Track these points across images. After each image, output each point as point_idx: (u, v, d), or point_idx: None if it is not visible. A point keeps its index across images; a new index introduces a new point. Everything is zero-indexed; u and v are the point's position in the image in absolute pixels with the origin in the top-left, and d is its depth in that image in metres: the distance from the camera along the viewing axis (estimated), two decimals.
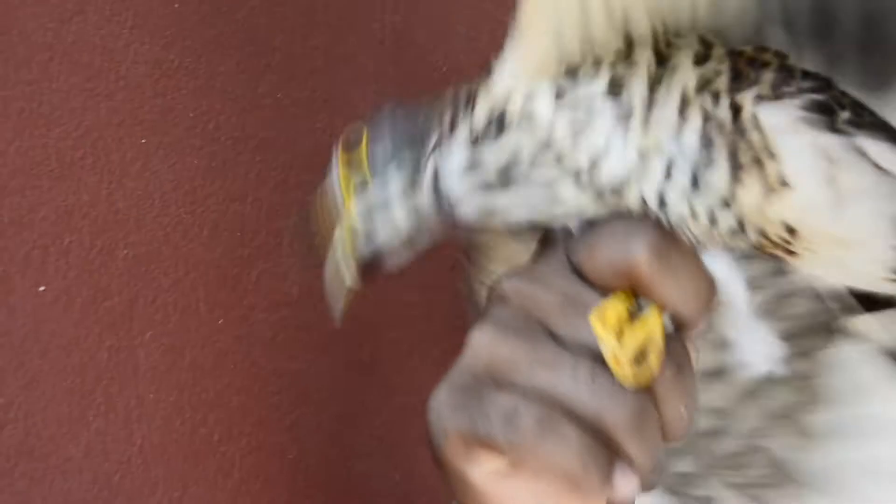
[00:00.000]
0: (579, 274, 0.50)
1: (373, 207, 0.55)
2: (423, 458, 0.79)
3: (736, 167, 0.46)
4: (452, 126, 0.53)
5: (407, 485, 0.77)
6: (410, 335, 0.79)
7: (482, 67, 0.85)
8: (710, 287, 0.50)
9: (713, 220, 0.47)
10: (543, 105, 0.50)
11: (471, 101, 0.53)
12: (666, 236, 0.48)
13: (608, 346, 0.47)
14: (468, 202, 0.52)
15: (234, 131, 0.72)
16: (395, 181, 0.54)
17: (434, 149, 0.53)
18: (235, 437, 0.70)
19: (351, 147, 0.55)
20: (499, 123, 0.51)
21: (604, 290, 0.49)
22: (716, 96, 0.47)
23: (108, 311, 0.66)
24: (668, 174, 0.47)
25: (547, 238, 0.53)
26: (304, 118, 0.75)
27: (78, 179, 0.66)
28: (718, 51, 0.48)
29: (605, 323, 0.47)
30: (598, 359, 0.47)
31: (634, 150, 0.48)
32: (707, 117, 0.47)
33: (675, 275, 0.48)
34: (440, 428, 0.51)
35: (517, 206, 0.51)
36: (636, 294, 0.48)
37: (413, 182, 0.53)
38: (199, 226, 0.70)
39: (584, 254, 0.49)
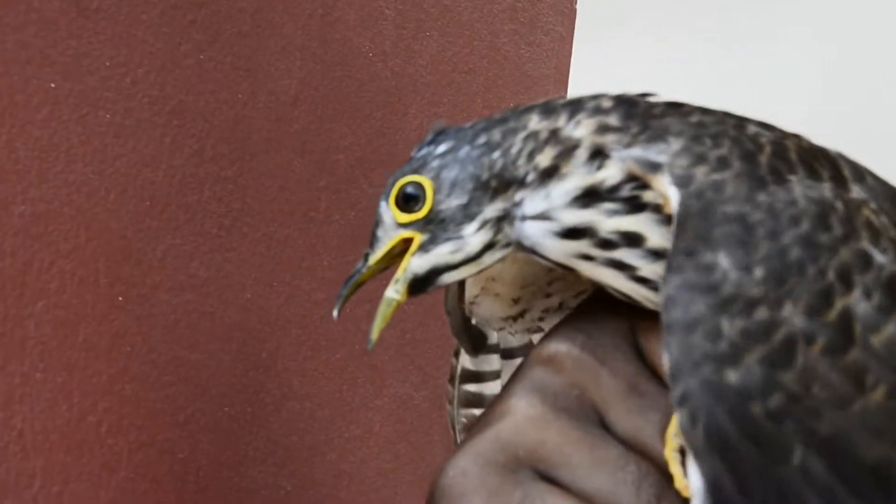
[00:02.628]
0: (647, 364, 0.44)
1: (437, 238, 0.46)
2: (317, 468, 0.73)
3: None
4: (553, 171, 0.44)
5: (298, 496, 0.71)
6: (314, 335, 0.73)
7: (405, 58, 0.81)
8: None
9: None
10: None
11: (597, 154, 0.44)
12: None
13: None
14: (548, 244, 0.45)
15: (151, 89, 0.64)
16: (469, 213, 0.46)
17: (522, 186, 0.45)
18: (125, 429, 0.62)
19: (413, 165, 0.48)
20: (633, 202, 0.43)
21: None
22: None
23: None
24: None
25: (607, 296, 0.47)
26: (226, 86, 0.68)
27: None
28: None
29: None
30: (660, 470, 0.42)
31: None
32: None
33: None
34: None
35: (599, 275, 0.45)
36: None
37: (489, 219, 0.45)
38: (105, 189, 0.62)
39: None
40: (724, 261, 0.39)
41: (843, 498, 0.37)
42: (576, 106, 0.45)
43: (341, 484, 0.74)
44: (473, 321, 0.57)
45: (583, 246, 0.43)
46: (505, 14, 0.90)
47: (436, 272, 0.46)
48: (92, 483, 0.60)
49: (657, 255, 0.42)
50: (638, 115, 0.44)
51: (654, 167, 0.42)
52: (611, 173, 0.43)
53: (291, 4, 0.72)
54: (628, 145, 0.43)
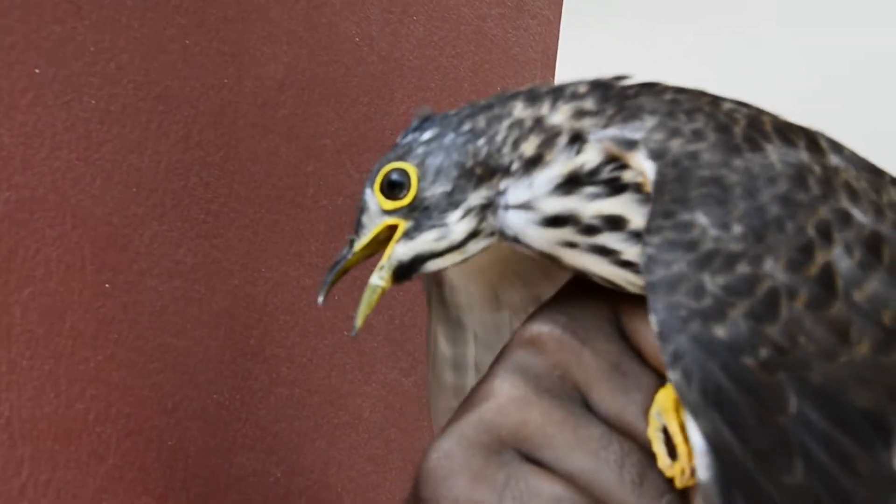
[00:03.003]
0: (630, 344, 0.44)
1: (421, 225, 0.46)
2: (306, 455, 0.73)
3: None
4: (538, 160, 0.44)
5: (287, 482, 0.71)
6: (302, 322, 0.73)
7: (392, 42, 0.81)
8: None
9: None
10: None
11: (575, 139, 0.44)
12: None
13: (680, 451, 0.41)
14: (531, 233, 0.45)
15: (136, 74, 0.64)
16: (453, 201, 0.46)
17: (507, 174, 0.45)
18: (113, 417, 0.61)
19: (398, 152, 0.47)
20: (613, 184, 0.43)
21: (657, 373, 0.44)
22: None
23: None
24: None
25: (585, 279, 0.46)
26: (212, 71, 0.68)
27: None
28: None
29: (668, 416, 0.42)
30: (643, 449, 0.42)
31: None
32: None
33: None
34: (444, 489, 0.43)
35: (582, 262, 0.45)
36: None
37: (473, 207, 0.45)
38: (91, 175, 0.61)
39: (651, 337, 0.43)
40: (702, 219, 0.39)
41: (842, 442, 0.38)
42: (557, 93, 0.46)
43: (330, 470, 0.74)
44: (451, 308, 0.56)
45: (566, 234, 0.43)
46: None
47: (420, 259, 0.46)
48: (80, 471, 0.60)
49: (638, 236, 0.42)
50: (613, 97, 0.45)
51: (630, 144, 0.42)
52: (589, 157, 0.43)
53: None
54: (605, 126, 0.43)
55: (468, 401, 0.45)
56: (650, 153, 0.41)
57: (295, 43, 0.73)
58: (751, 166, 0.40)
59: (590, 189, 0.43)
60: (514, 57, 0.92)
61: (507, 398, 0.43)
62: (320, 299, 0.48)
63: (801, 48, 1.03)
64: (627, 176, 0.42)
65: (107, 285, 0.62)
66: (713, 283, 0.38)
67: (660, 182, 0.40)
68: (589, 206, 0.43)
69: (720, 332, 0.37)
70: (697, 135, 0.42)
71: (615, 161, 0.42)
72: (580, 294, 0.46)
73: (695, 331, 0.37)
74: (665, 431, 0.42)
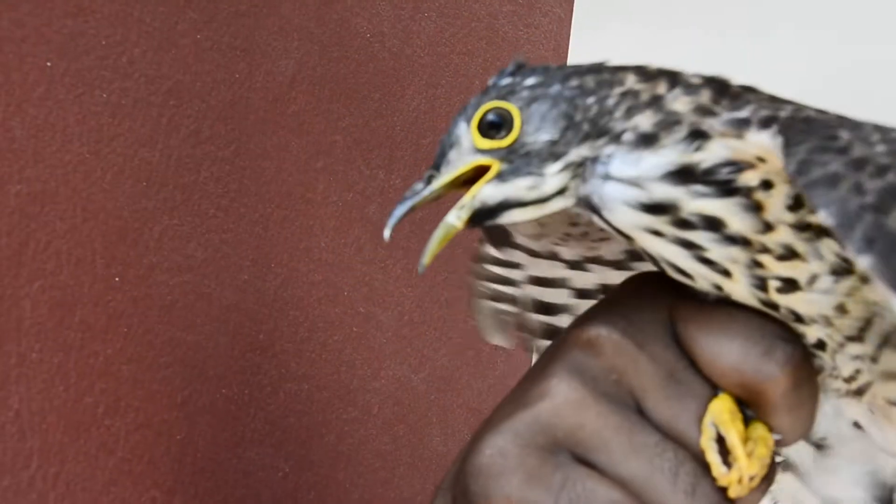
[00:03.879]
0: (685, 351, 0.44)
1: (518, 170, 0.44)
2: (314, 450, 0.73)
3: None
4: (652, 139, 0.42)
5: (296, 477, 0.71)
6: (311, 317, 0.73)
7: (403, 39, 0.81)
8: (812, 421, 0.45)
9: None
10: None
11: (696, 135, 0.42)
12: (804, 363, 0.43)
13: (739, 460, 0.42)
14: (623, 211, 0.43)
15: (147, 69, 0.64)
16: (555, 151, 0.44)
17: (616, 140, 0.43)
18: (122, 410, 0.62)
19: (500, 92, 0.45)
20: (725, 186, 0.42)
21: (710, 382, 0.43)
22: None
23: None
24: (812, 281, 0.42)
25: (648, 279, 0.46)
26: (223, 66, 0.68)
27: None
28: None
29: (725, 426, 0.42)
30: (696, 458, 0.42)
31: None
32: None
33: (799, 407, 0.43)
34: (496, 486, 0.43)
35: (661, 250, 0.43)
36: (740, 398, 0.44)
37: (572, 163, 0.43)
38: (102, 169, 0.61)
39: (710, 346, 0.43)
40: (846, 134, 0.39)
41: None
42: (672, 77, 0.44)
43: (339, 465, 0.74)
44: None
45: (658, 222, 0.42)
46: None
47: (505, 206, 0.44)
48: (89, 464, 0.60)
49: (731, 239, 0.42)
50: (727, 93, 0.43)
51: (742, 123, 0.41)
52: (707, 156, 0.42)
53: None
54: (718, 115, 0.42)
55: (521, 397, 0.45)
56: (760, 123, 0.41)
57: (306, 39, 0.73)
58: (863, 125, 0.40)
59: (699, 187, 0.41)
60: (526, 54, 0.92)
61: (564, 399, 0.43)
62: (387, 233, 0.44)
63: (814, 51, 1.02)
64: (742, 179, 0.41)
65: (117, 279, 0.62)
66: (871, 185, 0.37)
67: (786, 134, 0.40)
68: (693, 202, 0.42)
69: (893, 223, 0.37)
70: (798, 109, 0.41)
71: (733, 164, 0.41)
72: (638, 295, 0.46)
73: (872, 224, 0.37)
74: (719, 441, 0.42)
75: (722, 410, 0.42)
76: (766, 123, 0.41)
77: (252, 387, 0.69)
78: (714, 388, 0.43)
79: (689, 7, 1.07)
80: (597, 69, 0.45)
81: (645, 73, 0.44)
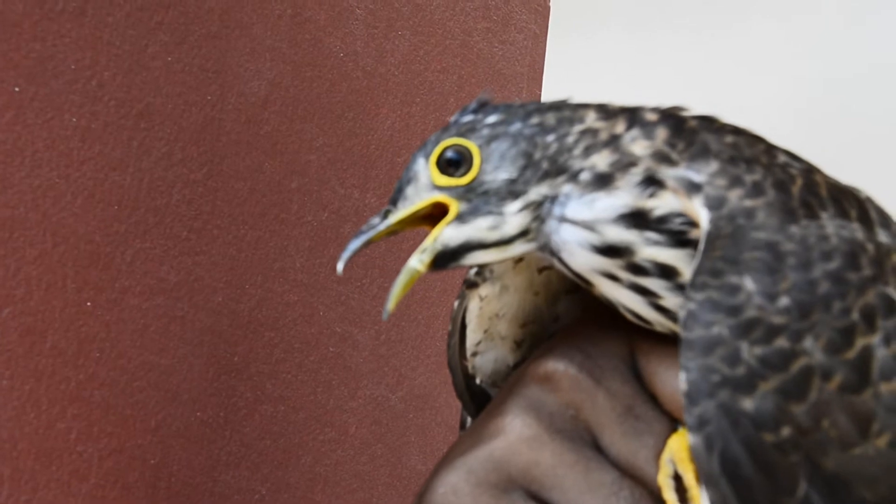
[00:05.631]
0: (644, 385, 0.44)
1: (478, 209, 0.44)
2: (291, 472, 0.72)
3: None
4: (608, 179, 0.42)
5: (273, 500, 0.70)
6: (287, 338, 0.72)
7: (377, 58, 0.81)
8: None
9: None
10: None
11: (651, 181, 0.42)
12: None
13: (694, 500, 0.41)
14: (579, 254, 0.43)
15: (118, 92, 0.64)
16: (514, 190, 0.43)
17: (573, 179, 0.43)
18: (95, 436, 0.61)
19: (460, 129, 0.45)
20: (678, 237, 0.41)
21: (670, 417, 0.43)
22: None
23: None
24: None
25: (607, 312, 0.45)
26: (195, 88, 0.67)
27: None
28: None
29: (682, 465, 0.41)
30: (654, 496, 0.42)
31: None
32: None
33: None
34: None
35: (619, 296, 0.43)
36: None
37: (532, 202, 0.43)
38: (72, 193, 0.61)
39: (670, 380, 0.43)
40: (750, 285, 0.38)
41: None
42: (631, 116, 0.44)
43: (316, 487, 0.74)
44: (478, 381, 0.54)
45: (613, 265, 0.42)
46: (478, 12, 0.90)
47: (467, 248, 0.44)
48: (62, 491, 0.59)
49: (683, 289, 0.41)
50: (683, 131, 0.43)
51: (693, 188, 0.41)
52: (661, 204, 0.42)
53: (260, 5, 0.71)
54: (675, 164, 0.42)
55: (476, 434, 0.44)
56: (708, 201, 0.40)
57: (278, 59, 0.72)
58: (807, 236, 0.39)
59: (653, 234, 0.41)
60: (501, 71, 0.92)
61: (518, 436, 0.43)
62: (340, 266, 0.45)
63: (790, 54, 1.03)
64: (693, 233, 0.41)
65: (88, 304, 0.61)
66: (750, 352, 0.37)
67: (713, 236, 0.40)
68: (646, 248, 0.41)
69: (747, 404, 0.37)
70: (756, 189, 0.41)
71: (684, 216, 0.41)
72: (596, 329, 0.46)
73: (723, 399, 0.37)
74: (676, 478, 0.42)
75: (681, 447, 0.42)
76: (714, 205, 0.40)
77: (227, 409, 0.68)
78: (673, 423, 0.43)
79: (664, 20, 1.07)
80: (558, 107, 0.45)
81: (606, 111, 0.45)
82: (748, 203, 0.40)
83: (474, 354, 0.53)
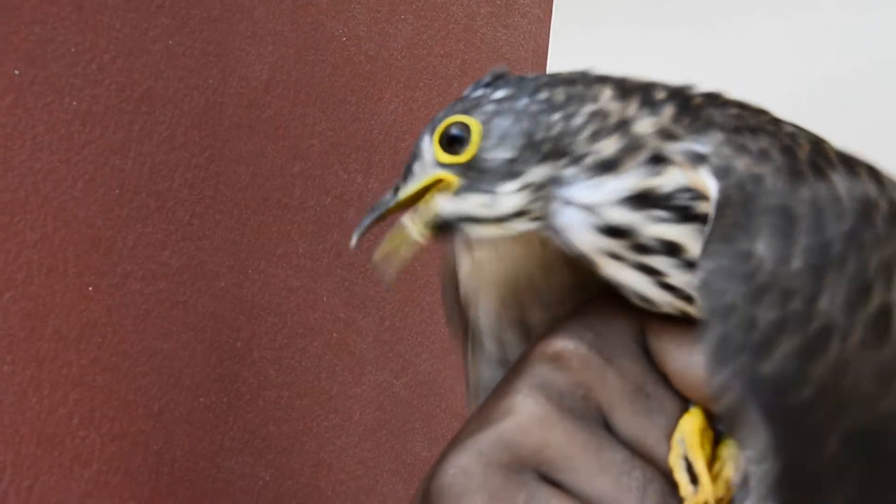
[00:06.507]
0: (655, 364, 0.43)
1: (473, 187, 0.43)
2: (295, 457, 0.72)
3: None
4: (613, 164, 0.42)
5: (277, 485, 0.70)
6: (290, 323, 0.72)
7: (380, 42, 0.80)
8: None
9: None
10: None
11: (657, 159, 0.41)
12: None
13: (704, 485, 0.41)
14: (582, 236, 0.42)
15: (119, 76, 0.63)
16: (512, 170, 0.43)
17: (576, 163, 0.42)
18: (97, 421, 0.61)
19: (465, 105, 0.44)
20: (685, 212, 0.41)
21: (681, 397, 0.43)
22: None
23: None
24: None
25: (612, 293, 0.44)
26: (196, 71, 0.67)
27: None
28: None
29: (692, 449, 0.41)
30: (665, 476, 0.41)
31: None
32: None
33: None
34: None
35: (624, 277, 0.43)
36: (711, 412, 0.43)
37: (531, 184, 0.42)
38: (73, 177, 0.61)
39: (681, 358, 0.42)
40: (762, 250, 0.38)
41: (876, 492, 0.37)
42: (644, 95, 0.43)
43: (320, 473, 0.74)
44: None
45: (617, 245, 0.42)
46: None
47: (462, 219, 0.43)
48: (63, 476, 0.59)
49: (691, 265, 0.41)
50: (689, 108, 0.43)
51: (699, 158, 0.41)
52: (667, 180, 0.41)
53: None
54: (679, 139, 0.41)
55: (486, 414, 0.44)
56: (715, 171, 0.40)
57: (280, 43, 0.72)
58: (818, 197, 0.39)
59: (658, 212, 0.41)
60: (504, 56, 0.91)
61: (529, 417, 0.42)
62: (353, 241, 0.44)
63: (795, 49, 1.02)
64: (702, 207, 0.41)
65: (90, 288, 0.61)
66: (765, 317, 0.37)
67: (722, 203, 0.39)
68: (652, 226, 0.41)
69: (767, 368, 0.37)
70: (763, 155, 0.40)
71: (692, 191, 0.41)
72: (606, 308, 0.45)
73: (743, 365, 0.37)
74: (687, 458, 0.42)
75: (692, 428, 0.42)
76: (721, 174, 0.40)
77: (230, 395, 0.68)
78: (685, 403, 0.43)
79: (669, 7, 1.07)
80: (571, 80, 0.44)
81: (623, 89, 0.43)
82: (756, 170, 0.40)
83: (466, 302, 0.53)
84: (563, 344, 0.43)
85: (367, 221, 0.45)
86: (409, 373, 0.81)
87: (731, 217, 0.39)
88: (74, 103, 0.61)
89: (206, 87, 0.67)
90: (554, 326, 0.45)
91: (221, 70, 0.68)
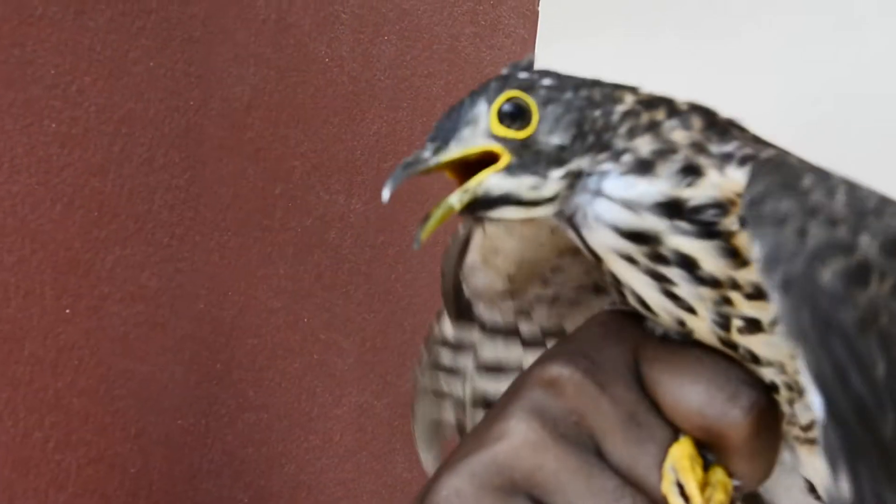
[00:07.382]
0: (647, 392, 0.43)
1: (526, 167, 0.43)
2: (274, 480, 0.72)
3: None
4: (649, 166, 0.42)
5: None
6: (270, 345, 0.72)
7: (363, 63, 0.80)
8: (773, 468, 0.45)
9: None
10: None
11: (690, 170, 0.42)
12: (768, 410, 0.43)
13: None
14: (603, 232, 0.42)
15: (98, 97, 0.63)
16: (562, 157, 0.43)
17: (615, 157, 0.42)
18: (73, 444, 0.61)
19: (521, 83, 0.44)
20: (708, 228, 0.41)
21: (671, 425, 0.43)
22: None
23: None
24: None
25: (612, 317, 0.45)
26: (177, 93, 0.67)
27: None
28: None
29: (684, 474, 0.41)
30: (654, 503, 0.42)
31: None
32: None
33: (760, 454, 0.43)
34: None
35: (631, 278, 0.43)
36: (701, 442, 0.43)
37: (573, 172, 0.43)
38: (51, 200, 0.61)
39: (673, 389, 0.43)
40: (808, 180, 0.39)
41: None
42: (669, 106, 0.44)
43: (300, 495, 0.73)
44: (465, 290, 0.54)
45: (634, 249, 0.42)
46: (465, 17, 0.90)
47: (505, 200, 0.43)
48: (39, 500, 0.59)
49: (701, 280, 0.41)
50: (716, 124, 0.43)
51: (725, 157, 0.42)
52: (698, 193, 0.41)
53: (244, 9, 0.71)
54: (709, 150, 0.42)
55: (480, 437, 0.44)
56: (740, 161, 0.41)
57: (262, 64, 0.72)
58: (846, 178, 0.40)
59: (684, 224, 0.41)
60: (489, 76, 0.91)
61: (522, 441, 0.42)
62: (386, 194, 0.43)
63: (784, 60, 1.02)
64: (724, 224, 0.41)
65: (67, 311, 0.61)
66: (816, 233, 0.37)
67: (755, 171, 0.40)
68: (674, 237, 0.41)
69: (819, 277, 0.37)
70: (782, 154, 0.41)
71: (719, 206, 0.41)
72: (602, 334, 0.45)
73: (802, 265, 0.37)
74: (679, 486, 0.42)
75: (682, 456, 0.42)
76: (744, 161, 0.41)
77: (209, 417, 0.68)
78: (675, 432, 0.43)
79: (652, 26, 1.07)
80: (599, 83, 0.45)
81: (640, 96, 0.44)
82: (777, 158, 0.41)
83: (469, 269, 0.53)
84: (558, 370, 0.44)
85: (403, 175, 0.43)
86: (391, 394, 0.81)
87: (769, 171, 0.40)
88: (54, 125, 0.61)
89: (188, 109, 0.67)
90: (549, 352, 0.46)
91: (203, 91, 0.68)
